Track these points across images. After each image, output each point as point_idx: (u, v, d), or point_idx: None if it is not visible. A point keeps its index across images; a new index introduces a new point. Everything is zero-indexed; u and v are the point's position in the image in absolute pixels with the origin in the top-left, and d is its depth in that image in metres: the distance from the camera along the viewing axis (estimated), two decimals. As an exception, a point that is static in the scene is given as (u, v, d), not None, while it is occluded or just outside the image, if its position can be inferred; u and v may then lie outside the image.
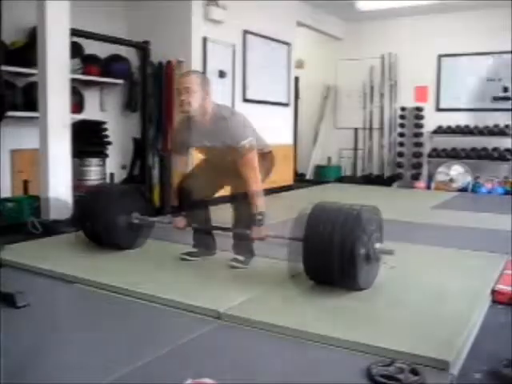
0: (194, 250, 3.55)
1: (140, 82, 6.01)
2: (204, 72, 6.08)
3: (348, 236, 2.70)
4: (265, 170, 3.28)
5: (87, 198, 3.92)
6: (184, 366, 2.01)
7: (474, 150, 8.25)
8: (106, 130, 5.67)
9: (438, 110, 8.79)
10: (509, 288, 2.88)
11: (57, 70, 4.51)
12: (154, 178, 5.98)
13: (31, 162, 4.90)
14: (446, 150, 8.46)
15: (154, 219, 3.86)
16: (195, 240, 3.58)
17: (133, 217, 3.69)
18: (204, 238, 3.58)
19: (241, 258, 3.35)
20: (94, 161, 5.45)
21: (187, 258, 3.49)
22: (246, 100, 6.95)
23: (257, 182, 3.11)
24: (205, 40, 6.19)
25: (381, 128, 9.18)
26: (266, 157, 3.38)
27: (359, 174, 9.33)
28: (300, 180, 8.87)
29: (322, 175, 9.31)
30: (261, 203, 3.12)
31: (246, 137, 3.10)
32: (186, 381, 1.76)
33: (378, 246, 2.88)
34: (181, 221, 3.44)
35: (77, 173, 5.10)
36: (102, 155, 5.58)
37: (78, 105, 5.41)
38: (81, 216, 3.84)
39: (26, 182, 5.01)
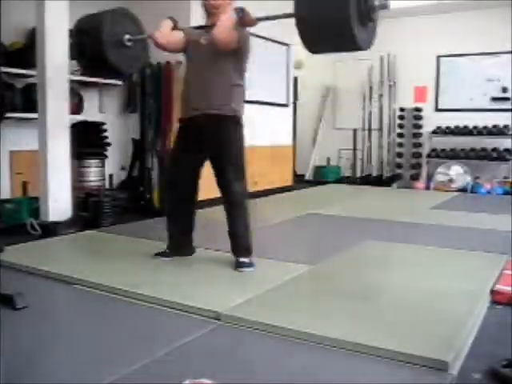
0: (167, 250, 3.54)
1: (139, 83, 6.01)
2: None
3: None
4: (239, 136, 3.36)
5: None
6: (183, 367, 2.01)
7: (473, 150, 8.26)
8: (105, 131, 5.67)
9: (437, 110, 8.80)
10: (508, 288, 2.88)
11: (56, 71, 4.51)
12: (154, 179, 5.98)
13: (30, 164, 4.89)
14: (445, 151, 8.47)
15: (144, 36, 3.83)
16: (170, 242, 3.54)
17: (125, 39, 3.68)
18: (180, 239, 3.55)
19: (245, 259, 3.30)
20: (94, 162, 5.45)
21: (160, 257, 3.49)
22: (244, 101, 6.92)
23: (228, 30, 3.12)
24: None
25: (380, 128, 9.18)
26: (240, 120, 3.46)
27: (358, 174, 9.32)
28: (299, 181, 8.87)
29: (322, 176, 9.31)
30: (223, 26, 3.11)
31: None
32: (184, 382, 1.76)
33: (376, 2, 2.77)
34: (167, 24, 3.47)
35: (76, 174, 5.10)
36: (101, 156, 5.58)
37: (77, 106, 5.41)
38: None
39: (25, 184, 5.00)
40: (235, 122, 3.35)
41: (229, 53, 3.21)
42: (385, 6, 2.82)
